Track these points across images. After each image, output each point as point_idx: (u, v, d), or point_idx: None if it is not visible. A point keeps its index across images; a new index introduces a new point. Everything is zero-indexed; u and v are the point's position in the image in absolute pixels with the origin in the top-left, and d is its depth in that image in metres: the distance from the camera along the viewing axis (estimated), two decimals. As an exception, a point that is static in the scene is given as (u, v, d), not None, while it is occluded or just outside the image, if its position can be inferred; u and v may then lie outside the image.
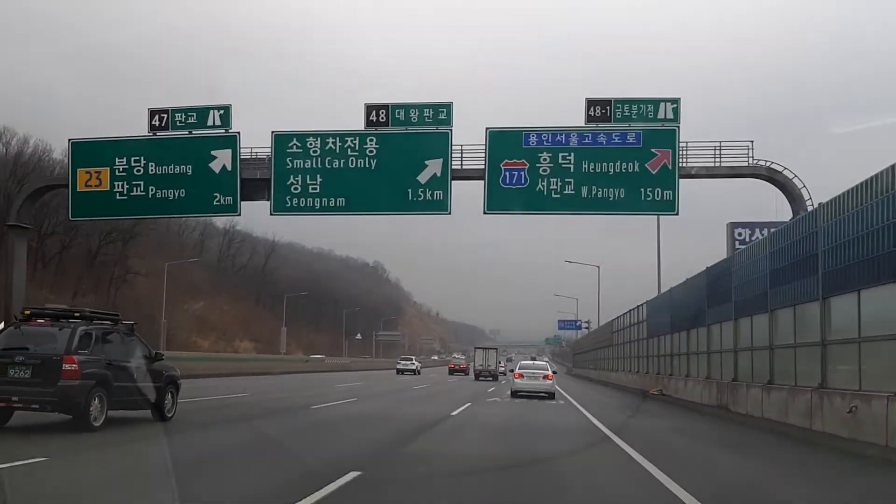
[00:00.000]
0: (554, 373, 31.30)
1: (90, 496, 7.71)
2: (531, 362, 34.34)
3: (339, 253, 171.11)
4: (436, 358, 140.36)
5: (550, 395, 28.72)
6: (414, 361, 65.53)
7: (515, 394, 29.13)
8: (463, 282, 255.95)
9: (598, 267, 63.76)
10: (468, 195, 22.31)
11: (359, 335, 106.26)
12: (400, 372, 61.00)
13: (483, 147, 21.86)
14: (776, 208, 22.53)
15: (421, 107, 22.08)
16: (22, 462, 8.83)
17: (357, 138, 22.11)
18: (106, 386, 12.46)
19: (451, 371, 62.88)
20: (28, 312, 12.91)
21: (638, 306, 36.62)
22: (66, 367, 11.78)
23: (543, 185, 21.37)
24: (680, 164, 21.10)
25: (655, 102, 21.41)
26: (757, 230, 31.07)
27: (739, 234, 32.16)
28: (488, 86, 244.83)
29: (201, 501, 7.30)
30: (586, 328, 77.98)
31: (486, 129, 21.99)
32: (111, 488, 8.16)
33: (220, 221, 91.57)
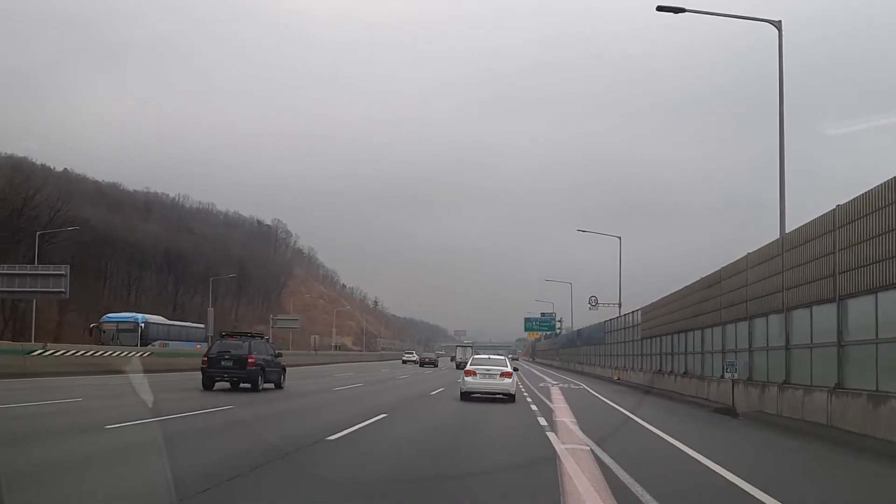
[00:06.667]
0: (515, 370, 26.19)
1: (286, 417, 19.74)
2: (485, 357, 27.91)
3: (220, 207, 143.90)
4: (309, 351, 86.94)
5: (510, 398, 23.67)
6: (414, 354, 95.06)
7: (466, 396, 23.72)
8: (428, 281, 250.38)
9: (620, 238, 54.48)
10: (449, 184, 26.69)
11: None
12: (404, 362, 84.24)
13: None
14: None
15: None
16: (223, 407, 20.73)
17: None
18: (263, 370, 24.89)
19: (422, 363, 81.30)
20: (224, 333, 25.33)
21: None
22: (250, 360, 24.15)
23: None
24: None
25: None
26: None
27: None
28: None
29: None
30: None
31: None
32: (289, 415, 20.22)
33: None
